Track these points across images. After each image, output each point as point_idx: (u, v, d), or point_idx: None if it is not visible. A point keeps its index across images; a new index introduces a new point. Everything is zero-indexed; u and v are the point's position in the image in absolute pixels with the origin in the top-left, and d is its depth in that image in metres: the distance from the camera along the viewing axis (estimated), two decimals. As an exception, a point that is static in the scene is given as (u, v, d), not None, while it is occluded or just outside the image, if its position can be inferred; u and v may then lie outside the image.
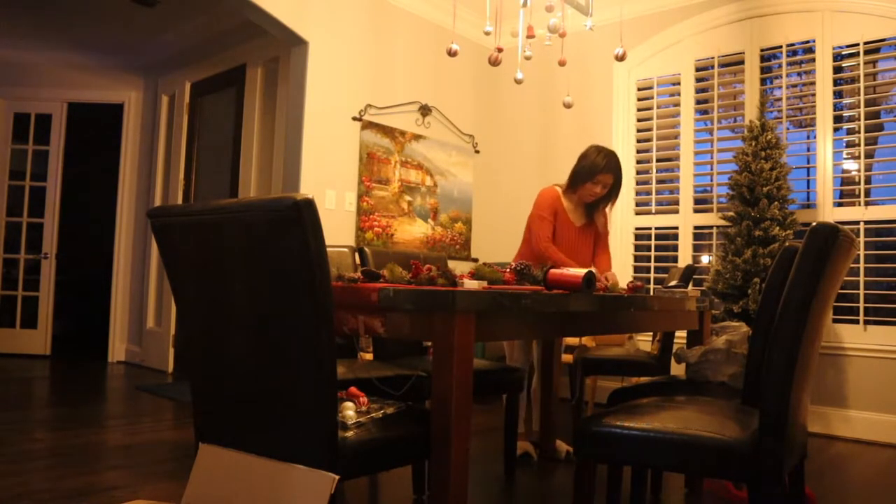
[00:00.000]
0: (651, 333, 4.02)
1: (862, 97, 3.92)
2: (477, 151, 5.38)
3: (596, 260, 3.34)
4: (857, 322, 3.86)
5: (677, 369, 3.21)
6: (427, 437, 1.58)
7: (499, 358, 4.94)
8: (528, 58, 3.25)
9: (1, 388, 4.58)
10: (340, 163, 4.40)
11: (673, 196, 4.64)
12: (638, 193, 4.78)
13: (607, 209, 3.35)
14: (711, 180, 4.49)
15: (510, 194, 5.40)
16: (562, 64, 3.37)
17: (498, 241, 5.37)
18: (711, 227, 4.43)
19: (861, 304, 3.84)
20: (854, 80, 3.99)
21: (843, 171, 4.13)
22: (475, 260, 5.30)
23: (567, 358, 4.04)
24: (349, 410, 1.55)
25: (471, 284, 1.74)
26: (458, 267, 2.78)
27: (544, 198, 3.22)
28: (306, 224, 1.35)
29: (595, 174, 3.10)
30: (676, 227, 4.59)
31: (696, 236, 4.51)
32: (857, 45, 3.94)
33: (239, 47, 5.20)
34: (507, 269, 2.02)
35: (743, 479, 1.49)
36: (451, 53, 3.09)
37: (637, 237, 4.76)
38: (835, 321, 3.92)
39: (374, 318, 1.68)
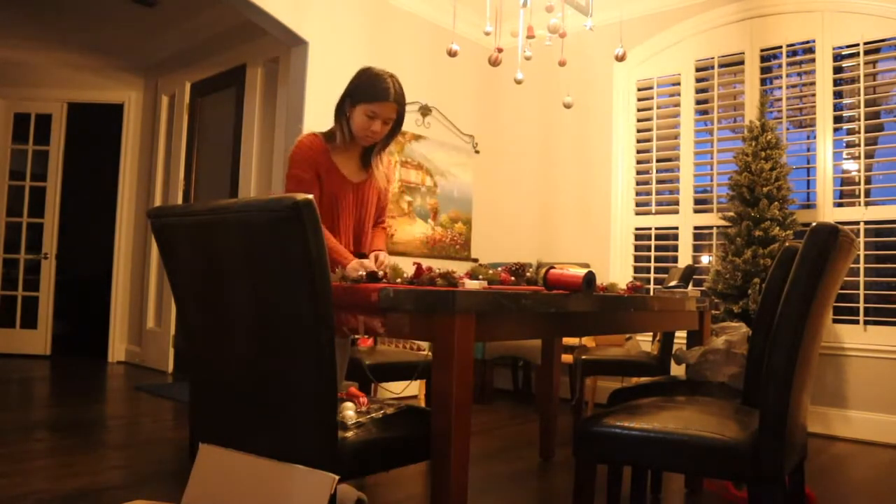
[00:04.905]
0: (651, 333, 4.02)
1: (862, 97, 3.92)
2: (477, 151, 5.38)
3: (373, 233, 2.54)
4: (857, 322, 3.86)
5: (677, 369, 3.21)
6: (427, 437, 1.58)
7: (499, 357, 4.94)
8: (528, 58, 3.25)
9: (1, 388, 4.58)
10: (340, 163, 4.40)
11: (673, 196, 4.64)
12: (638, 193, 4.78)
13: (390, 163, 2.58)
14: (711, 180, 4.49)
15: (510, 194, 5.40)
16: (562, 64, 3.37)
17: (498, 241, 5.37)
18: (711, 228, 4.43)
19: (861, 304, 3.84)
20: (854, 80, 3.99)
21: (843, 171, 4.13)
22: (475, 260, 5.30)
23: (567, 358, 4.05)
24: (349, 410, 1.55)
25: (472, 285, 1.74)
26: (458, 268, 2.78)
27: (301, 149, 2.35)
28: (306, 224, 1.35)
29: (374, 100, 2.30)
30: (676, 228, 4.58)
31: (696, 236, 4.51)
32: (857, 45, 3.94)
33: (239, 47, 5.20)
34: (503, 270, 2.02)
35: (743, 479, 1.49)
36: (451, 53, 3.09)
37: (637, 237, 4.76)
38: (835, 321, 3.92)
39: (374, 318, 1.68)
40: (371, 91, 2.32)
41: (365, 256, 2.39)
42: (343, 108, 2.37)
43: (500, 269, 2.03)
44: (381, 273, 1.87)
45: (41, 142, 6.21)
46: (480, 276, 1.88)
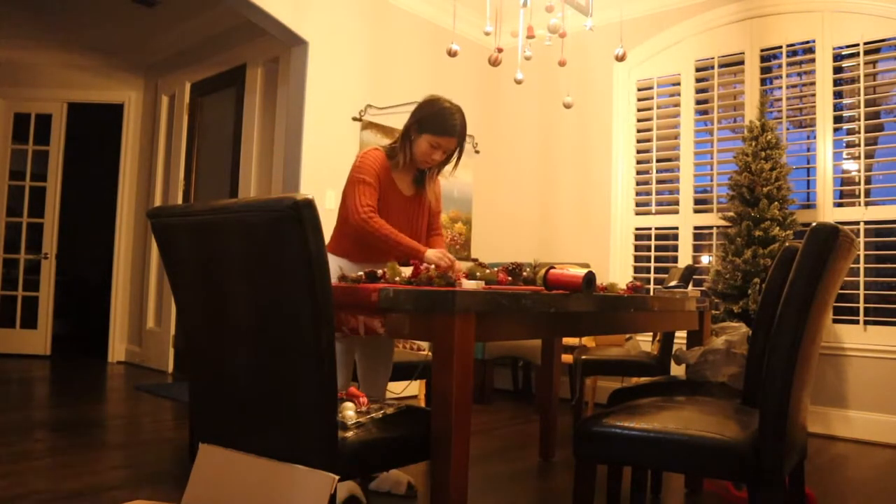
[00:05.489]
0: (651, 333, 4.02)
1: (862, 97, 3.92)
2: (477, 151, 5.38)
3: (432, 242, 2.76)
4: (857, 322, 3.86)
5: (677, 369, 3.21)
6: (427, 437, 1.58)
7: (498, 358, 4.94)
8: (528, 58, 3.26)
9: (1, 388, 4.58)
10: (340, 163, 4.39)
11: (673, 196, 4.64)
12: (638, 193, 4.78)
13: (442, 177, 2.73)
14: (711, 180, 4.49)
15: (510, 194, 5.40)
16: (562, 64, 3.38)
17: (498, 241, 5.37)
18: (711, 228, 4.43)
19: (861, 305, 3.84)
20: (854, 80, 3.99)
21: (843, 172, 4.13)
22: (475, 260, 5.29)
23: (567, 358, 4.04)
24: (349, 410, 1.55)
25: (469, 285, 1.74)
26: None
27: (367, 160, 2.52)
28: (306, 224, 1.35)
29: (441, 134, 2.48)
30: (676, 228, 4.58)
31: (696, 236, 4.51)
32: (857, 45, 3.94)
33: (239, 47, 5.20)
34: (500, 269, 2.02)
35: (743, 480, 1.49)
36: (451, 53, 3.09)
37: (637, 237, 4.76)
38: (835, 321, 3.92)
39: (374, 318, 1.68)
40: (440, 125, 2.47)
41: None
42: (409, 134, 2.53)
43: (496, 268, 2.04)
44: (452, 276, 1.85)
45: (41, 142, 6.20)
46: (478, 275, 1.89)
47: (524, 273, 2.03)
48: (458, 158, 2.61)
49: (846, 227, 1.72)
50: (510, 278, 1.99)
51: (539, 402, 3.29)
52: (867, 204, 3.91)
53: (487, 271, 1.97)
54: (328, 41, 4.31)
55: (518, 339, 3.13)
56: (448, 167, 2.61)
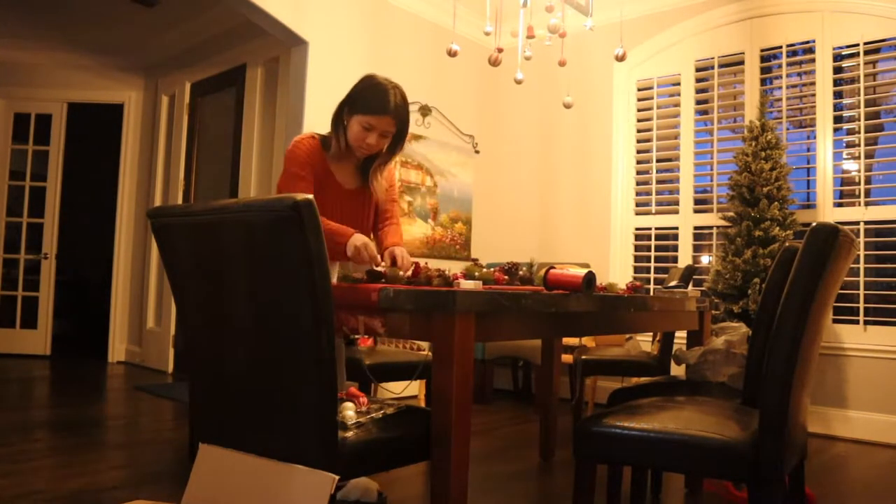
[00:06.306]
0: (651, 333, 4.02)
1: (862, 97, 3.92)
2: (477, 151, 5.38)
3: (382, 234, 2.48)
4: (857, 322, 3.86)
5: (677, 369, 3.21)
6: (427, 437, 1.58)
7: (497, 357, 4.94)
8: (528, 58, 3.25)
9: (1, 388, 4.58)
10: (340, 163, 4.40)
11: (673, 196, 4.64)
12: (638, 193, 4.78)
13: (389, 167, 2.43)
14: (711, 180, 4.49)
15: (510, 194, 5.40)
16: (562, 64, 3.37)
17: (498, 241, 5.37)
18: (711, 228, 4.43)
19: (861, 305, 3.84)
20: (854, 80, 3.99)
21: (843, 172, 4.13)
22: (475, 260, 5.29)
23: (567, 358, 4.04)
24: (349, 410, 1.55)
25: (466, 285, 1.74)
26: (458, 268, 2.78)
27: (299, 148, 2.28)
28: (306, 224, 1.35)
29: (372, 113, 2.20)
30: (676, 228, 4.58)
31: (696, 236, 4.51)
32: (857, 45, 3.94)
33: (239, 47, 5.20)
34: (497, 269, 2.01)
35: (743, 480, 1.49)
36: (451, 53, 3.09)
37: (637, 237, 4.76)
38: (835, 321, 3.92)
39: (374, 318, 1.68)
40: (369, 102, 2.20)
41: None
42: (340, 116, 2.28)
43: (493, 268, 2.03)
44: (402, 272, 1.80)
45: (41, 142, 6.20)
46: (476, 275, 1.88)
47: (521, 272, 2.03)
48: (401, 143, 2.32)
49: (846, 227, 1.72)
50: (507, 278, 1.99)
51: (539, 402, 3.29)
52: (867, 204, 3.91)
53: (485, 271, 1.97)
54: (328, 41, 4.31)
55: (518, 339, 3.13)
56: (393, 157, 2.34)
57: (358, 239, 2.12)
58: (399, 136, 2.30)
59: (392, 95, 2.21)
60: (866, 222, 3.89)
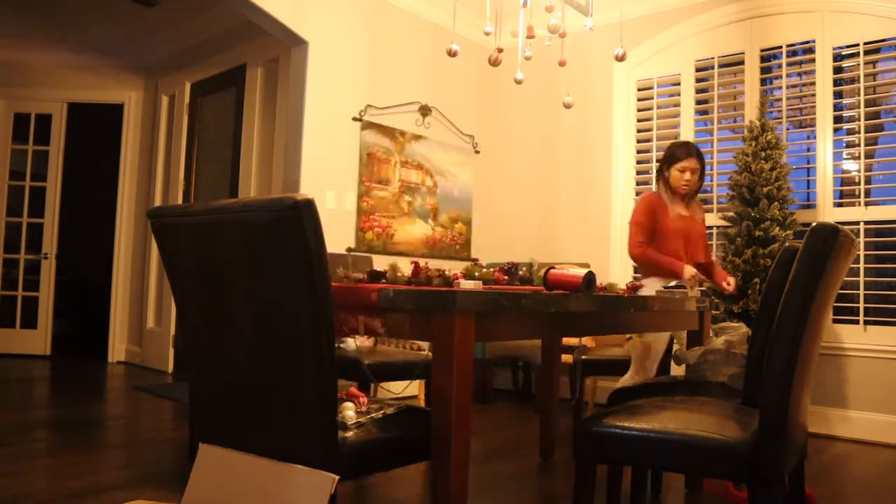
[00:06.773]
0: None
1: (862, 97, 3.92)
2: (477, 151, 5.38)
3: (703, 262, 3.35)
4: (857, 322, 3.86)
5: (677, 370, 3.21)
6: (427, 437, 1.58)
7: (498, 357, 4.94)
8: (528, 58, 3.25)
9: (1, 388, 4.58)
10: (340, 163, 4.40)
11: (673, 196, 4.63)
12: (638, 194, 4.78)
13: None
14: (711, 180, 4.48)
15: (510, 194, 5.40)
16: (562, 64, 3.37)
17: (498, 241, 5.37)
18: (711, 228, 4.42)
19: (861, 305, 3.84)
20: (854, 80, 3.99)
21: (843, 172, 4.13)
22: (475, 260, 5.30)
23: (567, 358, 4.04)
24: (349, 410, 1.55)
25: (466, 285, 1.74)
26: (458, 268, 2.78)
27: (641, 203, 3.28)
28: (306, 224, 1.35)
29: (677, 161, 3.21)
30: (676, 228, 4.57)
31: (696, 236, 4.50)
32: (857, 45, 3.94)
33: (239, 47, 5.20)
34: (496, 269, 2.02)
35: (743, 480, 1.49)
36: (451, 53, 3.09)
37: (637, 237, 4.75)
38: (835, 321, 3.92)
39: (374, 318, 1.68)
40: (677, 153, 3.22)
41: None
42: (662, 172, 3.28)
43: (493, 268, 2.03)
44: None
45: (41, 142, 6.21)
46: (476, 275, 1.88)
47: (521, 272, 2.03)
48: (703, 175, 3.30)
49: (846, 227, 1.72)
50: (507, 278, 1.99)
51: (539, 402, 3.29)
52: (867, 204, 3.91)
53: (484, 271, 1.97)
54: (328, 41, 4.31)
55: (518, 339, 3.13)
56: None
57: (688, 272, 3.10)
58: (702, 172, 3.28)
59: (691, 145, 3.29)
60: (866, 222, 3.89)
